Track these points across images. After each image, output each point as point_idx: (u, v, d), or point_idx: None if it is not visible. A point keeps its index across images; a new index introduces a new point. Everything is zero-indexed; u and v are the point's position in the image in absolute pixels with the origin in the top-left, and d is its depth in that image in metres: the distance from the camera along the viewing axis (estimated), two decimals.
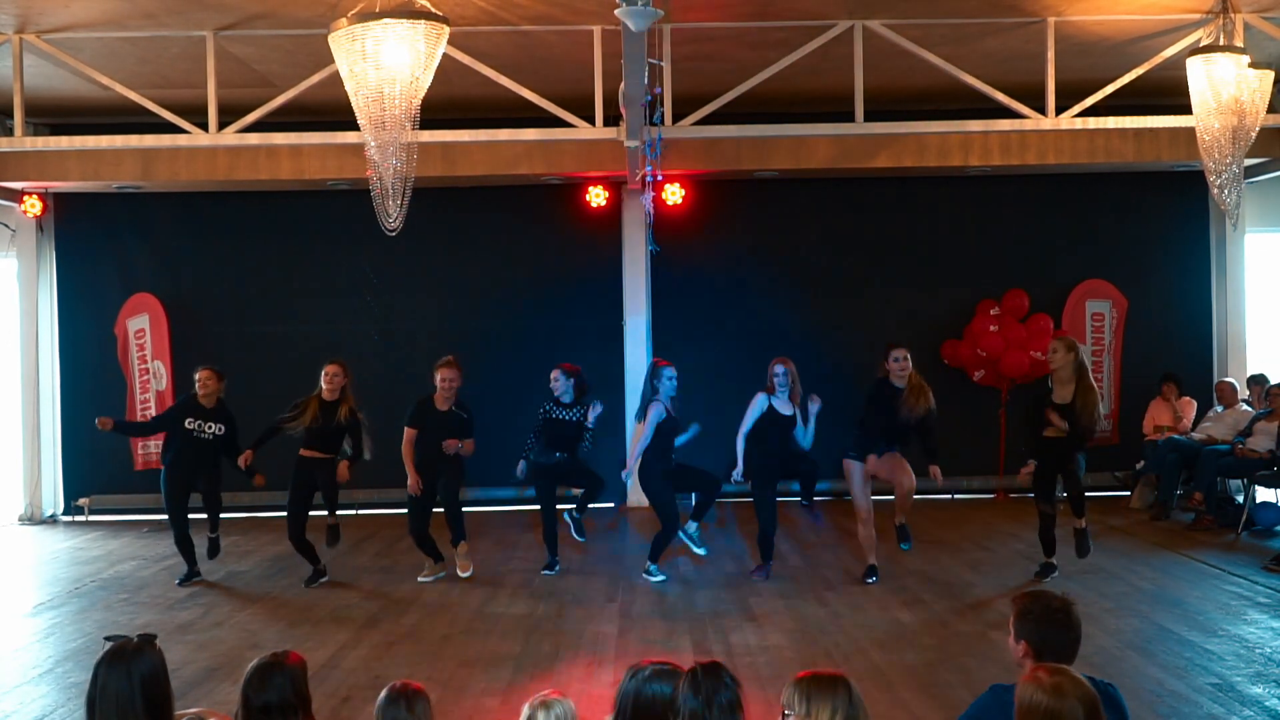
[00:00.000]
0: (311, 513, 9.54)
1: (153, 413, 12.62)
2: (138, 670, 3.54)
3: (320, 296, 13.28)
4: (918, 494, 9.45)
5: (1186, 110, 8.85)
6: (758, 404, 9.24)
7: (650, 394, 9.34)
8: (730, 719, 3.40)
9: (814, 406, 9.29)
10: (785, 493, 10.25)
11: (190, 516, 9.66)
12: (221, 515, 10.01)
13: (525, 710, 3.56)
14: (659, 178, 8.59)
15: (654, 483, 9.30)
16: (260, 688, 3.63)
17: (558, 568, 9.75)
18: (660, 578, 9.29)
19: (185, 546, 9.64)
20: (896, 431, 8.99)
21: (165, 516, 9.75)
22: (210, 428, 9.55)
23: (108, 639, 3.67)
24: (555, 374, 9.67)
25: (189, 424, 9.52)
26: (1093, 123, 10.01)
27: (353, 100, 6.85)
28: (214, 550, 9.87)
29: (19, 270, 13.21)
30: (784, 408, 9.23)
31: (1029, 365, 12.54)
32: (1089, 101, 9.74)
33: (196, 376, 9.62)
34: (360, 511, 12.63)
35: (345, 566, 10.11)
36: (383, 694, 3.62)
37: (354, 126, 7.24)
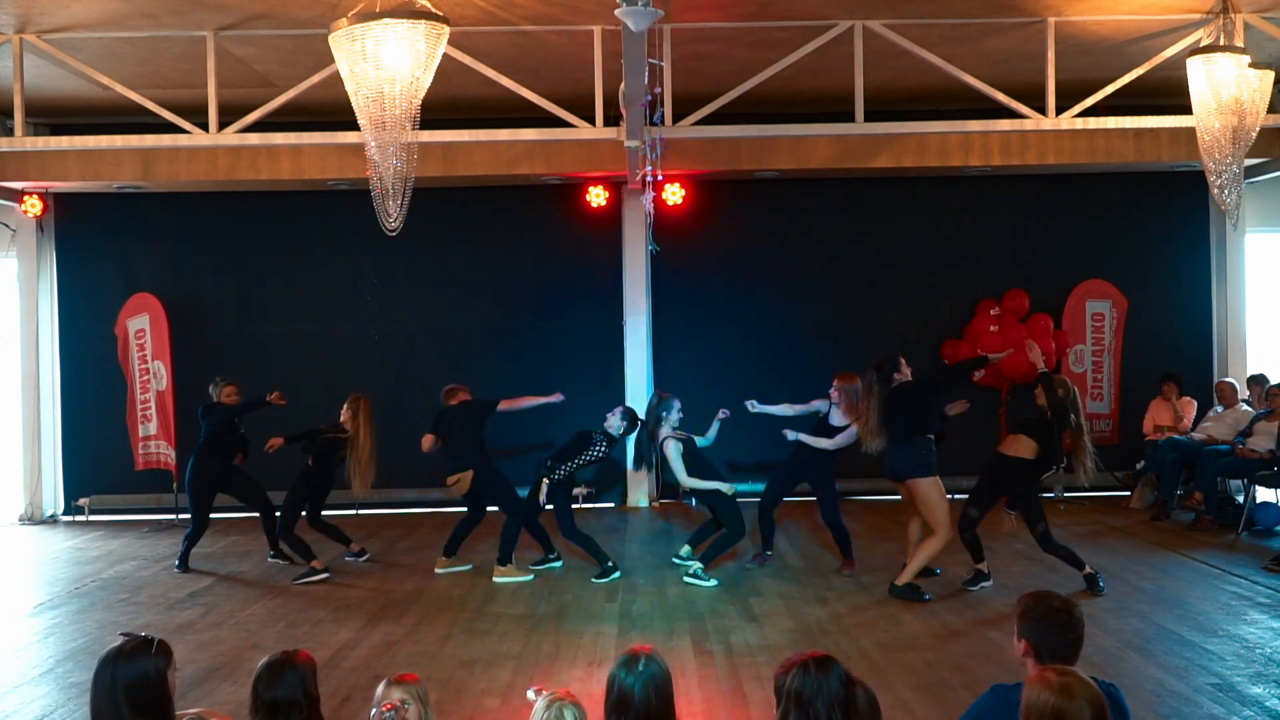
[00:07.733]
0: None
1: (154, 413, 12.67)
2: (141, 669, 3.56)
3: (320, 296, 13.28)
4: (894, 495, 9.49)
5: (1186, 110, 8.85)
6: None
7: (655, 425, 9.42)
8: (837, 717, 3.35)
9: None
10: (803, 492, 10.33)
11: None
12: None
13: (541, 704, 3.47)
14: (659, 178, 8.57)
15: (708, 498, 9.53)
16: (270, 684, 3.65)
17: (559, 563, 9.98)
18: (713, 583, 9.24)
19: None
20: None
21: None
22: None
23: (124, 635, 3.69)
24: (618, 410, 9.79)
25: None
26: (1093, 123, 10.01)
27: (353, 100, 6.85)
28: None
29: (19, 270, 13.21)
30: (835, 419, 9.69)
31: (1029, 365, 12.50)
32: (1089, 101, 9.74)
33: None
34: (361, 511, 12.63)
35: (347, 566, 10.12)
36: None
37: (354, 126, 7.24)
